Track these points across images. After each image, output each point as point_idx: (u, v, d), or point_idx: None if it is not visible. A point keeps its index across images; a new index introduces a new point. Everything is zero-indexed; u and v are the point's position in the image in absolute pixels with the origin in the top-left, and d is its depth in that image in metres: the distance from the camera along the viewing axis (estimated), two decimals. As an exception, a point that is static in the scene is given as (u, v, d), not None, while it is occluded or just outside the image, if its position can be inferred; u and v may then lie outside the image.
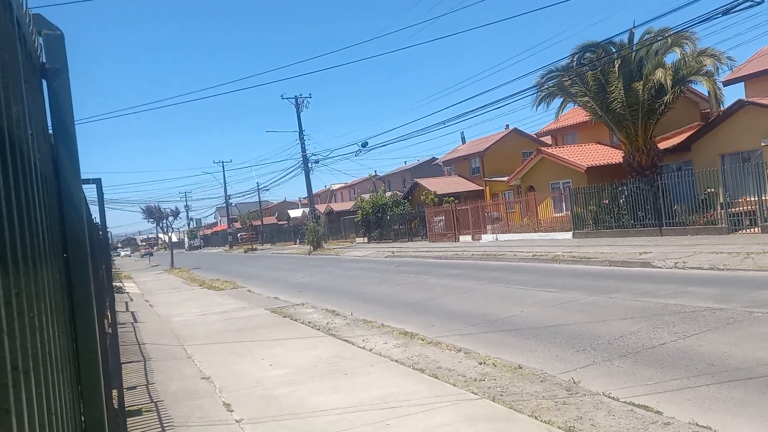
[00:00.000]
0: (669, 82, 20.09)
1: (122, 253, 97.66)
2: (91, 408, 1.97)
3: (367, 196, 46.84)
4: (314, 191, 47.63)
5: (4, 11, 1.07)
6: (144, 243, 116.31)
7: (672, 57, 21.74)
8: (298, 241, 56.16)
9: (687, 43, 20.68)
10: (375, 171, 63.74)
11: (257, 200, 73.00)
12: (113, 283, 14.42)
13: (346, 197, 72.31)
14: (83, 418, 1.99)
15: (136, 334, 11.40)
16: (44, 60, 1.56)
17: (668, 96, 20.89)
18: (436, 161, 52.12)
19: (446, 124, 43.69)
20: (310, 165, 42.19)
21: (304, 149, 42.11)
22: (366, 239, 43.85)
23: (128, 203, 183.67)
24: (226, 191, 74.08)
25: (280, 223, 77.07)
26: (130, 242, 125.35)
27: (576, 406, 5.20)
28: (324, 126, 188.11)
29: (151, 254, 73.25)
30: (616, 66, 21.56)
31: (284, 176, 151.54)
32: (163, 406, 6.25)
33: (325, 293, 16.17)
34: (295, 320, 11.41)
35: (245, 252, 57.94)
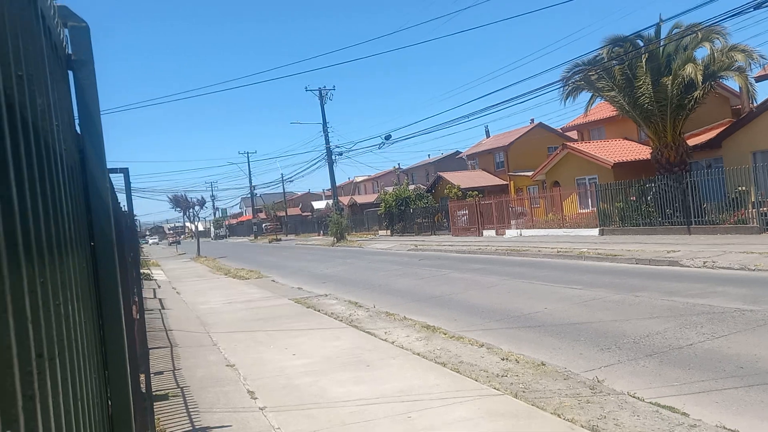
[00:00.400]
0: (700, 77, 19.61)
1: (150, 241, 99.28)
2: (118, 393, 2.00)
3: (390, 189, 46.88)
4: (338, 183, 47.78)
5: (28, 4, 1.08)
6: (171, 231, 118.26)
7: (701, 52, 21.23)
8: (321, 232, 56.48)
9: (717, 38, 20.13)
10: (398, 164, 63.76)
11: (282, 191, 73.50)
12: (141, 270, 14.68)
13: (370, 190, 72.42)
14: (110, 402, 2.03)
15: (163, 321, 11.60)
16: (70, 51, 1.58)
17: (698, 91, 20.39)
18: (460, 155, 51.85)
19: (470, 118, 43.50)
20: (333, 157, 42.30)
21: (327, 141, 42.23)
22: (389, 232, 43.88)
23: (156, 192, 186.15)
24: (251, 182, 74.92)
25: (304, 214, 77.57)
26: (158, 230, 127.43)
27: (600, 404, 5.15)
28: (348, 118, 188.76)
29: (178, 242, 74.38)
30: (644, 60, 21.12)
31: (308, 168, 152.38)
32: (189, 391, 6.36)
33: (348, 285, 16.25)
34: (318, 311, 11.49)
35: (270, 242, 58.48)
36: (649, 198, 22.06)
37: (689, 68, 19.87)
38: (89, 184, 1.62)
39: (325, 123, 42.38)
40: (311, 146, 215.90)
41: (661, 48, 21.56)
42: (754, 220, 18.41)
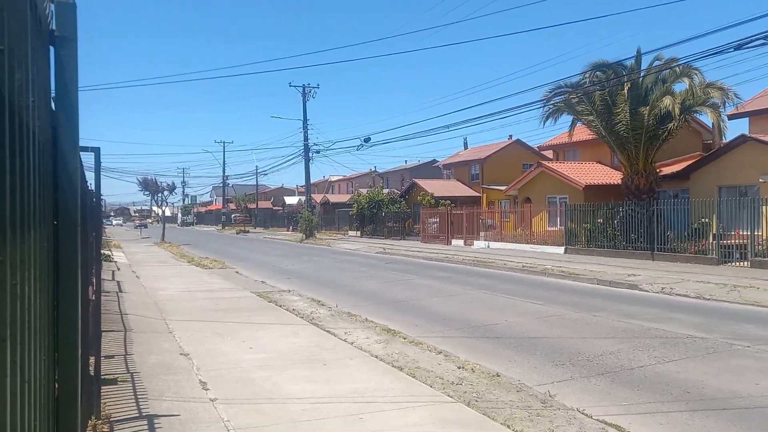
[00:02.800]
0: (677, 109, 20.16)
1: (114, 222, 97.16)
2: (66, 375, 1.97)
3: (364, 191, 46.86)
4: (312, 181, 47.51)
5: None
6: (137, 214, 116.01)
7: (680, 86, 21.87)
8: (291, 228, 56.11)
9: (696, 74, 20.81)
10: (375, 167, 63.76)
11: (254, 183, 72.81)
12: (102, 251, 14.37)
13: (344, 190, 72.25)
14: (57, 385, 1.99)
15: (119, 304, 11.38)
16: (54, 27, 1.56)
17: (673, 123, 20.97)
18: (437, 163, 52.09)
19: (450, 128, 43.75)
20: (310, 155, 42.09)
21: (306, 138, 41.99)
22: (359, 233, 43.83)
23: (126, 173, 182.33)
24: (224, 171, 73.92)
25: (275, 208, 76.90)
26: (123, 212, 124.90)
27: (549, 419, 5.24)
28: (328, 117, 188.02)
29: (145, 226, 72.98)
30: (626, 89, 21.62)
31: (284, 163, 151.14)
32: (139, 377, 6.26)
33: (312, 282, 16.18)
34: (280, 306, 11.42)
35: (237, 233, 57.84)
36: (615, 222, 22.53)
37: (667, 100, 20.40)
38: (59, 163, 1.60)
39: (305, 120, 42.17)
40: (288, 141, 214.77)
41: (641, 78, 22.11)
42: (714, 252, 18.94)
